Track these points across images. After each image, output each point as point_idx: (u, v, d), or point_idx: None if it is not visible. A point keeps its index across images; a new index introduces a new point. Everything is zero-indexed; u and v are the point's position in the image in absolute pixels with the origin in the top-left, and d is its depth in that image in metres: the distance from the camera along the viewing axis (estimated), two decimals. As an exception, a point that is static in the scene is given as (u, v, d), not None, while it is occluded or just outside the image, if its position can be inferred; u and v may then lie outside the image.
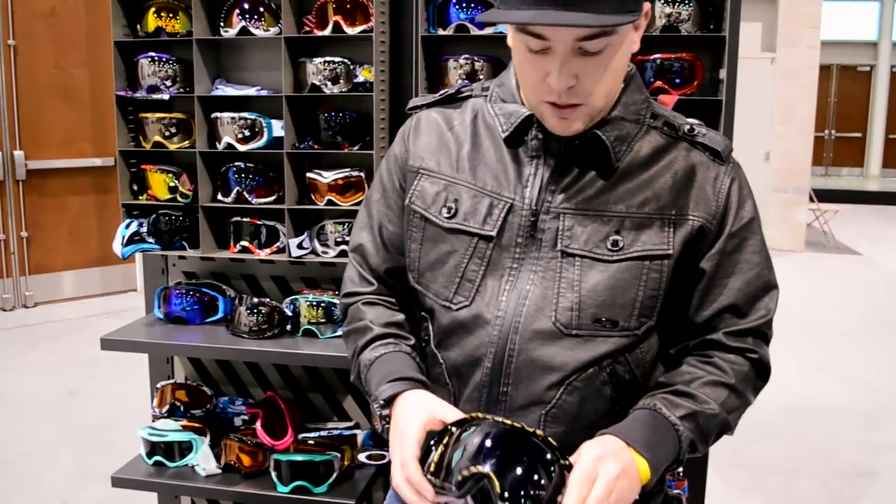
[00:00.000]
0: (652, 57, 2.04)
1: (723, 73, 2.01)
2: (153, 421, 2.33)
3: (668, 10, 2.02)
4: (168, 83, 2.22)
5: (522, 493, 0.98)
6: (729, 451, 3.65)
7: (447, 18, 2.10)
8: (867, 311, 6.63)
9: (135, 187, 2.28)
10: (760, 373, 1.23)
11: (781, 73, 8.74)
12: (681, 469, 2.12)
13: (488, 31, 2.07)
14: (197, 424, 2.27)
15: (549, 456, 1.02)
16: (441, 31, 2.10)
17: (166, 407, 2.30)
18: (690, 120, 1.25)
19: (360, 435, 2.25)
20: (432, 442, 1.09)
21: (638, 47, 1.16)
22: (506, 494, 0.98)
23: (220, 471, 2.21)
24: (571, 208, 1.17)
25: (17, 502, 3.22)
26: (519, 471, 1.00)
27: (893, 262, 8.64)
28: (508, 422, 1.05)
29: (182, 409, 2.30)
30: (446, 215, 1.22)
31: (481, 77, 2.10)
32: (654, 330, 1.21)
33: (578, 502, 0.98)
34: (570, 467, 1.03)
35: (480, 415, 1.09)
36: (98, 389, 4.40)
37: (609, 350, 1.16)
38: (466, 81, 2.08)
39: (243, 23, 2.16)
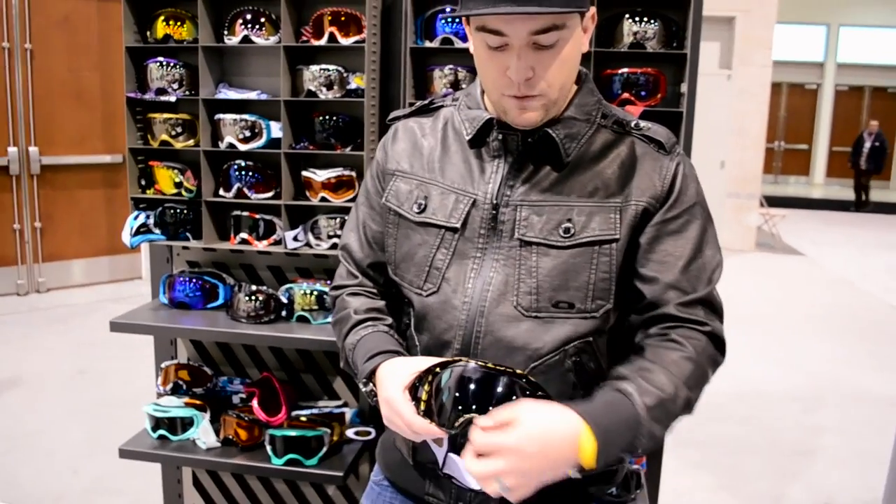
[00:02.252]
0: (620, 71, 2.06)
1: (684, 87, 2.02)
2: (157, 398, 2.31)
3: (635, 28, 2.03)
4: (175, 86, 2.20)
5: None
6: (683, 431, 3.67)
7: (434, 31, 2.10)
8: (809, 306, 6.70)
9: (143, 182, 2.26)
10: (717, 346, 1.20)
11: (737, 89, 8.80)
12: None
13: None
14: (198, 402, 2.26)
15: (528, 394, 1.04)
16: (428, 43, 2.10)
17: (170, 385, 2.28)
18: (638, 119, 1.26)
19: (349, 413, 2.25)
20: (418, 384, 1.09)
21: (587, 48, 1.17)
22: None
23: (219, 444, 2.20)
24: (527, 200, 1.18)
25: (31, 472, 3.20)
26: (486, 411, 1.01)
27: (834, 262, 8.74)
28: (490, 364, 1.06)
29: (184, 387, 2.29)
30: (416, 210, 1.24)
31: (464, 86, 2.11)
32: (614, 315, 1.20)
33: (473, 458, 1.00)
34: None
35: (461, 358, 1.10)
36: (106, 369, 4.37)
37: (570, 333, 1.16)
38: (450, 90, 2.08)
39: (245, 31, 2.14)
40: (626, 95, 2.05)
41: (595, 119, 1.22)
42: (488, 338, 1.16)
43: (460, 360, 1.09)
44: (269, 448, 2.13)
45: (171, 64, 2.19)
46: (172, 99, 2.19)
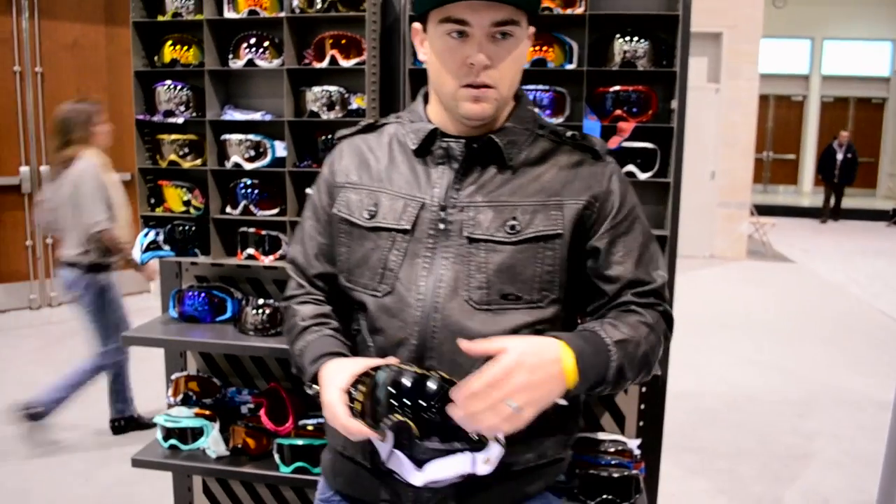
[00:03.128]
0: (611, 89, 2.07)
1: (674, 104, 2.04)
2: (168, 409, 2.32)
3: (625, 47, 2.05)
4: (182, 108, 2.22)
5: (427, 432, 1.04)
6: (679, 437, 3.69)
7: (432, 53, 2.12)
8: (801, 312, 6.70)
9: (152, 200, 2.28)
10: (668, 322, 1.28)
11: (725, 101, 8.84)
12: (638, 452, 2.15)
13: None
14: (207, 412, 2.27)
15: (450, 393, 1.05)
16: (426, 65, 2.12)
17: (180, 396, 2.29)
18: (571, 131, 1.34)
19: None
20: (352, 390, 1.11)
21: (526, 61, 1.28)
22: (419, 432, 1.04)
23: (228, 453, 2.21)
24: (474, 202, 1.23)
25: (45, 480, 3.20)
26: (421, 413, 1.03)
27: (823, 268, 8.74)
28: (415, 368, 1.09)
29: (194, 398, 2.29)
30: (367, 217, 1.27)
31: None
32: (561, 304, 1.26)
33: (470, 390, 1.02)
34: None
35: (391, 362, 1.13)
36: (116, 381, 4.36)
37: (520, 323, 1.21)
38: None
39: (250, 55, 2.16)
40: (618, 112, 2.06)
41: (533, 129, 1.30)
42: (443, 332, 1.19)
43: (393, 364, 1.12)
44: (277, 456, 2.13)
45: (179, 87, 2.21)
46: (180, 121, 2.20)
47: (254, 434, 2.18)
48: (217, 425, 2.23)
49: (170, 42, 2.22)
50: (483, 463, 1.08)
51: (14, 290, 5.82)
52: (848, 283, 7.94)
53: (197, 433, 2.22)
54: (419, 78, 2.16)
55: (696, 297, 6.86)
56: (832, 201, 13.13)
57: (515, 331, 1.19)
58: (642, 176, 2.08)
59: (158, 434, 2.26)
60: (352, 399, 1.10)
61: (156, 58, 2.26)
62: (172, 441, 2.23)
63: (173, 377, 2.34)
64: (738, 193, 8.99)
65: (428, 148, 1.28)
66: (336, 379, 1.15)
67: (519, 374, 1.03)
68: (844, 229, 12.37)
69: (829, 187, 13.15)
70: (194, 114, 2.23)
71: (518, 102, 1.31)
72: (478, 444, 1.06)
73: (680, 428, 3.78)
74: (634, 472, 2.09)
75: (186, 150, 2.23)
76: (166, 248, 2.23)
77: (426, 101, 1.33)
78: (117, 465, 3.26)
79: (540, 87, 2.08)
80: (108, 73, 5.99)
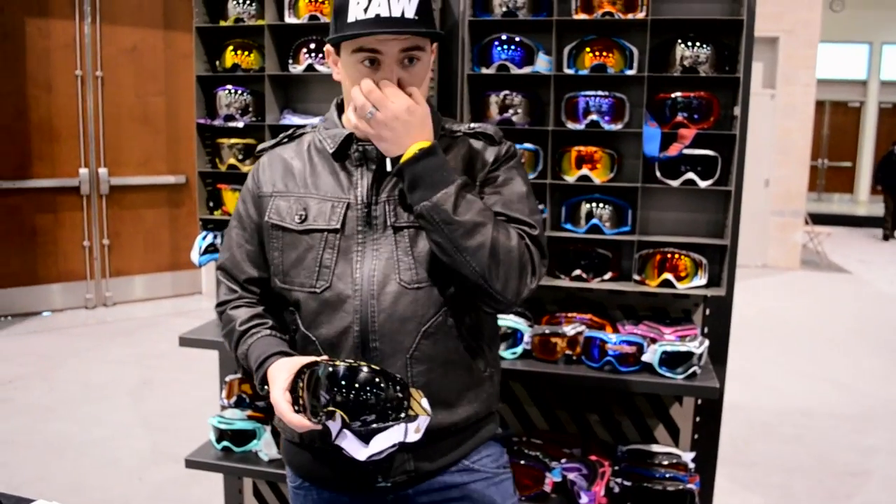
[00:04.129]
0: (672, 95, 2.04)
1: (737, 111, 2.00)
2: (221, 410, 2.35)
3: (687, 52, 2.02)
4: (241, 113, 2.25)
5: (363, 414, 1.18)
6: (732, 450, 3.61)
7: (490, 58, 2.11)
8: (856, 323, 6.51)
9: (211, 204, 2.31)
10: (538, 248, 1.34)
11: (780, 107, 8.65)
12: (693, 465, 2.10)
13: (527, 69, 2.08)
14: (260, 415, 2.29)
15: (377, 380, 1.18)
16: (485, 70, 2.11)
17: (234, 398, 2.32)
18: (469, 123, 1.46)
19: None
20: (294, 387, 1.24)
21: (431, 75, 1.38)
22: (351, 420, 1.18)
23: (280, 456, 2.22)
24: (393, 196, 1.34)
25: (97, 479, 3.26)
26: (357, 399, 1.18)
27: (880, 279, 8.49)
28: (346, 362, 1.20)
29: (247, 400, 2.32)
30: (298, 221, 1.37)
31: (519, 111, 2.12)
32: None
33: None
34: (400, 383, 1.19)
35: (322, 359, 1.25)
36: (169, 380, 4.45)
37: (448, 294, 1.33)
38: (507, 114, 2.10)
39: (309, 60, 2.18)
40: (678, 119, 2.03)
41: (438, 131, 1.38)
42: (382, 315, 1.32)
43: (328, 360, 1.24)
44: (328, 461, 2.14)
45: (239, 91, 2.24)
46: (240, 125, 2.23)
47: (306, 437, 2.19)
48: (269, 428, 2.24)
49: (231, 47, 2.25)
50: (414, 432, 1.22)
51: (71, 289, 5.98)
52: (907, 295, 7.70)
53: (249, 436, 2.24)
54: (478, 83, 2.15)
55: (749, 307, 6.72)
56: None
57: (443, 304, 1.33)
58: (703, 184, 2.03)
59: (211, 435, 2.28)
60: (294, 396, 1.23)
61: (217, 62, 2.29)
62: (225, 443, 2.25)
63: (227, 379, 2.37)
64: (793, 202, 8.79)
65: (345, 151, 1.38)
66: (279, 379, 1.26)
67: (396, 111, 1.25)
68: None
69: (889, 197, 12.41)
70: (254, 118, 2.26)
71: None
72: (408, 417, 1.20)
73: (732, 441, 3.69)
74: (689, 486, 2.05)
75: (245, 154, 2.25)
76: (223, 250, 2.25)
77: (339, 109, 1.43)
78: (167, 465, 3.31)
79: (599, 92, 2.06)
80: (166, 78, 6.12)
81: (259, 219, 1.42)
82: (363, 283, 1.32)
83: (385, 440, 1.23)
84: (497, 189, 1.38)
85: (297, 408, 1.23)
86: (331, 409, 1.19)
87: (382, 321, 1.32)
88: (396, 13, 1.25)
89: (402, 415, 1.20)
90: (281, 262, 1.39)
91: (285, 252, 1.38)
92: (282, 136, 1.50)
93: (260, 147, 1.51)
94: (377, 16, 1.24)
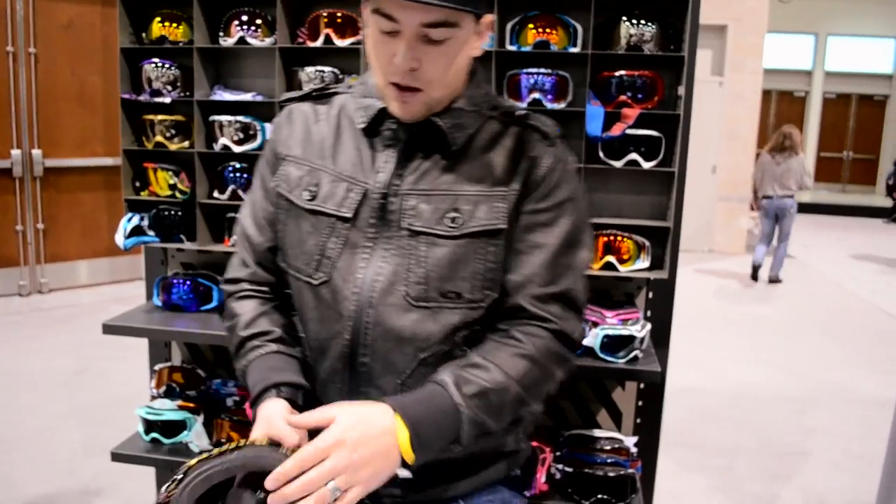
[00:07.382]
0: (616, 73, 2.00)
1: (681, 90, 1.97)
2: (151, 401, 2.25)
3: (632, 31, 1.97)
4: (170, 88, 2.14)
5: None
6: (677, 433, 3.63)
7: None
8: (800, 308, 6.65)
9: (137, 184, 2.20)
10: (565, 343, 1.16)
11: (728, 95, 8.77)
12: (635, 450, 2.08)
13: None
14: (191, 404, 2.19)
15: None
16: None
17: (163, 388, 2.22)
18: (528, 110, 1.24)
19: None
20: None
21: (479, 53, 1.15)
22: None
23: (212, 447, 2.14)
24: (416, 189, 1.15)
25: (30, 472, 3.12)
26: None
27: (824, 264, 8.69)
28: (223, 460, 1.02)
29: (178, 389, 2.22)
30: (307, 198, 1.19)
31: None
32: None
33: (288, 478, 0.96)
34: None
35: (217, 450, 1.06)
36: (105, 369, 4.30)
37: (458, 322, 1.14)
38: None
39: (241, 33, 2.08)
40: (622, 98, 1.99)
41: (484, 111, 1.20)
42: (377, 329, 1.13)
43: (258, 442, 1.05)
44: (262, 451, 2.06)
45: (167, 65, 2.13)
46: (167, 100, 2.13)
47: (238, 427, 2.11)
48: (201, 418, 2.16)
49: (158, 18, 2.14)
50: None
51: (3, 275, 5.74)
52: (848, 279, 7.89)
53: (180, 426, 2.15)
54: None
55: (694, 292, 6.81)
56: None
57: (450, 332, 1.13)
58: (646, 165, 2.00)
59: (140, 427, 2.18)
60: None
61: (144, 35, 2.18)
62: (154, 434, 2.15)
63: (156, 368, 2.27)
64: (739, 188, 8.92)
65: (376, 127, 1.19)
66: (258, 428, 1.10)
67: (339, 452, 0.97)
68: (844, 225, 12.33)
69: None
70: (182, 93, 2.15)
71: (471, 79, 1.20)
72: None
73: (678, 424, 3.71)
74: (631, 471, 2.03)
75: (173, 131, 2.15)
76: (151, 233, 2.15)
77: None
78: (101, 457, 3.15)
79: (542, 70, 2.00)
80: (103, 55, 5.89)
81: (271, 183, 1.25)
82: (364, 287, 1.13)
83: None
84: (537, 243, 1.15)
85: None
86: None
87: (376, 336, 1.13)
88: None
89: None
90: (284, 236, 1.22)
91: (288, 227, 1.21)
92: (312, 88, 1.30)
93: (285, 96, 1.32)
94: None
